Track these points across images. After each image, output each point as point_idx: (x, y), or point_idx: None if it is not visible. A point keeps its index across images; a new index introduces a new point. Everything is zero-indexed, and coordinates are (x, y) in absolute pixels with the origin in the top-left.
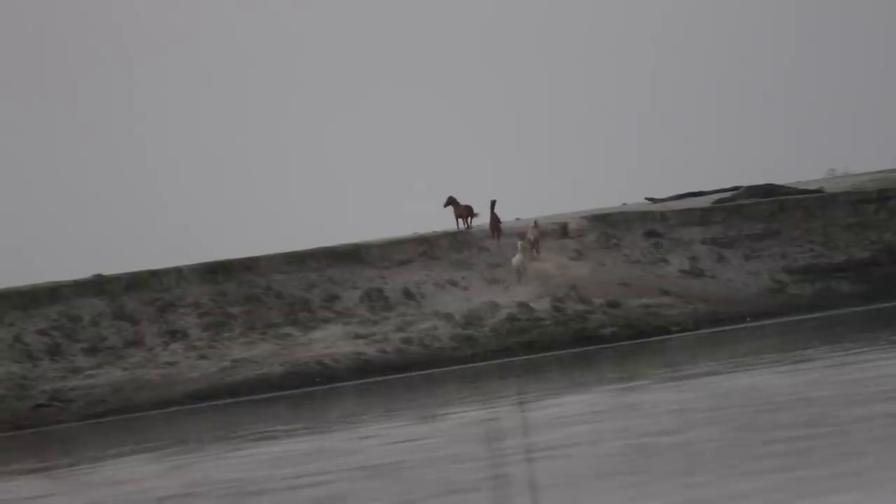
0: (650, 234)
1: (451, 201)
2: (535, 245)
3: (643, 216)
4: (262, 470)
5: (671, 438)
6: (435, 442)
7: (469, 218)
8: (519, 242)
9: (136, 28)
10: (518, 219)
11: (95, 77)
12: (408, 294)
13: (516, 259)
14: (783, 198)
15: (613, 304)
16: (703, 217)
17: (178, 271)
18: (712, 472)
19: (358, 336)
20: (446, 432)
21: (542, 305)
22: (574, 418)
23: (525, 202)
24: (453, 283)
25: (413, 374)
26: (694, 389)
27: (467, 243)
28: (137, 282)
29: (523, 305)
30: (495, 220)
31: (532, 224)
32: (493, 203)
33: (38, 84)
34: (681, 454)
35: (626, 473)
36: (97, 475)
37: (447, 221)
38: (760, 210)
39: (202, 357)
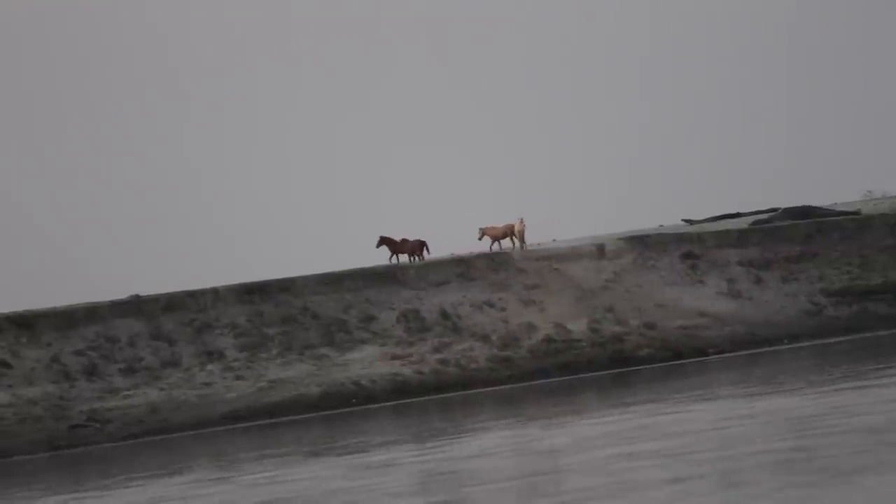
0: (687, 255)
1: (383, 241)
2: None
3: (680, 238)
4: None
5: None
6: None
7: (420, 251)
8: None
9: (184, 58)
10: (555, 240)
11: (138, 101)
12: (444, 315)
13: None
14: (820, 220)
15: (650, 326)
16: (740, 239)
17: (214, 292)
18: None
19: (395, 357)
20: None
21: (578, 327)
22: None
23: (562, 223)
24: (490, 305)
25: (449, 395)
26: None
27: (504, 264)
28: (174, 302)
29: (560, 327)
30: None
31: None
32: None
33: (79, 107)
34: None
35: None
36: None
37: (484, 243)
38: (798, 232)
39: (239, 378)
